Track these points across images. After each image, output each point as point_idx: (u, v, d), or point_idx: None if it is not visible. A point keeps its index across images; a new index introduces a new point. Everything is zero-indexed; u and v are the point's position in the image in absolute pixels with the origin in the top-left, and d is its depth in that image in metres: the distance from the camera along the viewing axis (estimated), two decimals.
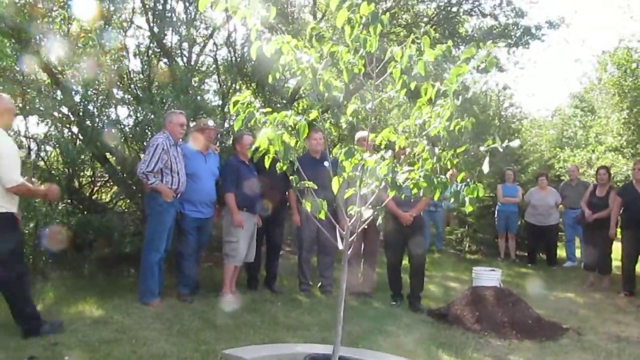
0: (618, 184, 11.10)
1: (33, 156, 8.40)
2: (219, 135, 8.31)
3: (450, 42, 3.38)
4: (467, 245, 12.13)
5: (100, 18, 8.25)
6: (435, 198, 3.52)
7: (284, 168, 3.42)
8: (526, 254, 11.45)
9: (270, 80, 3.38)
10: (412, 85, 3.43)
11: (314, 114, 3.41)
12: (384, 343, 5.45)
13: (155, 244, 6.28)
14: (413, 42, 3.32)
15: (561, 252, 11.56)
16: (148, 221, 6.48)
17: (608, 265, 8.97)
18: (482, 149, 3.48)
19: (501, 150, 3.43)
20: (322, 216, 3.47)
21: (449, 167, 3.52)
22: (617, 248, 9.05)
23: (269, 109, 3.43)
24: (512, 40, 12.02)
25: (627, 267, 8.40)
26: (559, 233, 11.55)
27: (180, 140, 6.55)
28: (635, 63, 13.58)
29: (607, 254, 8.94)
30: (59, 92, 7.99)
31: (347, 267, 3.77)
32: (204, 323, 5.77)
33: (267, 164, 3.45)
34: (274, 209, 7.25)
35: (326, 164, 3.79)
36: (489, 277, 6.94)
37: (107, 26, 8.39)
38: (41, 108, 7.71)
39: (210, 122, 6.98)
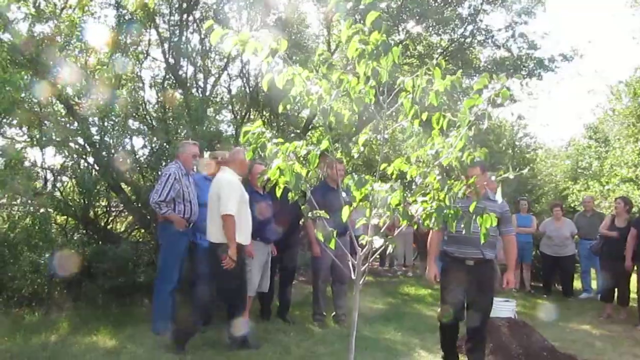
0: (635, 215, 11.00)
1: (49, 187, 8.49)
2: None
3: (460, 72, 3.40)
4: None
5: (117, 50, 8.39)
6: (451, 230, 3.53)
7: (295, 198, 3.44)
8: (541, 285, 11.33)
9: (281, 110, 3.42)
10: (425, 116, 3.46)
11: (324, 144, 3.44)
12: None
13: (169, 274, 6.30)
14: (425, 73, 3.35)
15: (577, 283, 11.42)
16: (161, 251, 6.52)
17: (626, 297, 8.85)
18: (493, 179, 3.49)
19: (511, 177, 3.44)
20: (332, 245, 3.47)
21: (460, 197, 3.52)
22: (633, 280, 8.94)
23: (280, 139, 3.47)
24: (525, 72, 12.06)
25: None
26: (575, 264, 11.42)
27: (194, 169, 6.60)
28: None
29: (625, 284, 8.84)
30: (75, 123, 8.10)
31: (359, 297, 3.76)
32: (217, 353, 5.76)
33: (278, 193, 3.48)
34: (287, 238, 7.24)
35: (344, 194, 3.81)
36: (503, 308, 6.86)
37: (123, 57, 8.53)
38: (58, 139, 7.81)
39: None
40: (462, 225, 3.61)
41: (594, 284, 11.01)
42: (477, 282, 5.16)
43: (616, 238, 8.82)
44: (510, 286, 5.34)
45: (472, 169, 4.96)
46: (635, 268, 8.79)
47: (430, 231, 5.34)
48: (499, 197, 3.82)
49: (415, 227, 3.69)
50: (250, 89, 10.09)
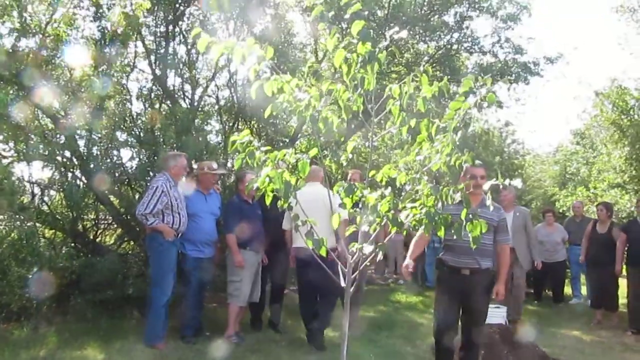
0: (623, 220, 11.06)
1: (37, 201, 8.42)
2: (220, 175, 8.35)
3: (446, 79, 3.41)
4: None
5: (103, 62, 8.36)
6: (440, 235, 3.52)
7: (285, 206, 3.43)
8: (532, 291, 11.35)
9: (267, 114, 3.41)
10: (413, 122, 3.45)
11: (313, 151, 3.44)
12: None
13: (163, 286, 6.25)
14: (412, 80, 3.35)
15: (567, 289, 11.45)
16: (151, 263, 6.48)
17: (615, 303, 8.88)
18: (484, 187, 3.49)
19: (502, 187, 3.44)
20: (322, 252, 3.45)
21: (449, 203, 3.52)
22: (623, 284, 8.97)
23: (269, 148, 3.46)
24: (511, 77, 12.14)
25: (633, 305, 8.30)
26: (566, 270, 11.45)
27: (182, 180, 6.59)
28: (634, 100, 13.65)
29: (614, 290, 8.87)
30: (62, 137, 8.05)
31: (349, 306, 3.75)
32: None
33: (268, 201, 3.47)
34: (277, 248, 7.20)
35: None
36: (494, 314, 6.84)
37: (109, 70, 8.49)
38: (45, 153, 7.77)
39: (214, 165, 6.99)
40: (453, 232, 3.58)
41: (583, 290, 11.05)
42: (472, 292, 5.03)
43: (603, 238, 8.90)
44: (499, 298, 5.22)
45: (477, 169, 4.97)
46: (625, 273, 8.82)
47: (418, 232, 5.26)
48: (489, 204, 3.83)
49: (405, 233, 3.67)
50: (238, 98, 10.08)
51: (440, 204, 3.38)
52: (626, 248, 8.55)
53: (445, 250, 5.19)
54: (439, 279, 5.28)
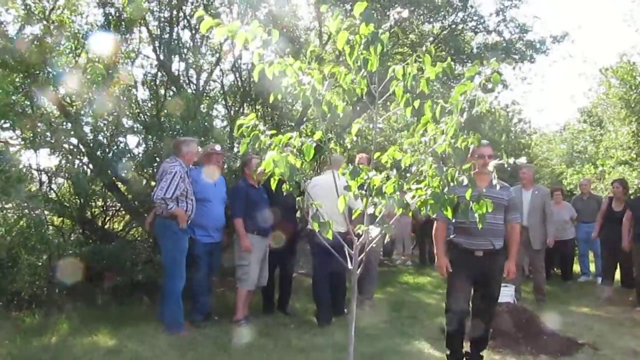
0: (631, 197, 11.03)
1: (45, 189, 8.46)
2: (226, 159, 8.37)
3: (449, 59, 3.39)
4: None
5: (108, 49, 8.35)
6: (449, 216, 3.50)
7: (290, 189, 3.43)
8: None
9: (271, 100, 3.41)
10: (417, 104, 3.44)
11: (318, 135, 3.44)
12: None
13: (179, 272, 6.27)
14: (415, 60, 3.34)
15: (575, 267, 11.46)
16: (164, 251, 6.46)
17: (631, 278, 8.85)
18: (489, 167, 3.49)
19: (507, 167, 3.44)
20: (329, 236, 3.46)
21: (457, 185, 3.51)
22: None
23: (274, 131, 3.46)
24: (517, 56, 12.06)
25: None
26: (574, 248, 11.45)
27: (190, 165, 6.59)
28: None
29: (629, 266, 8.87)
30: (69, 124, 8.07)
31: (356, 288, 3.76)
32: (218, 349, 5.77)
33: (273, 186, 3.48)
34: (284, 229, 7.20)
35: None
36: (503, 293, 6.85)
37: (115, 57, 8.49)
38: (52, 140, 7.78)
39: (218, 147, 6.99)
40: (460, 213, 3.56)
41: (592, 267, 11.06)
42: (486, 273, 5.03)
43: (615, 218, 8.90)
44: (511, 276, 5.22)
45: (484, 148, 4.95)
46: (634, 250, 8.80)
47: (435, 222, 5.25)
48: (495, 183, 3.83)
49: (411, 214, 3.67)
50: (243, 83, 10.06)
51: (446, 186, 3.37)
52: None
53: (457, 232, 5.11)
54: (451, 261, 5.14)
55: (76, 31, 8.51)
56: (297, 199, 3.61)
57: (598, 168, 14.69)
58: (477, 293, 5.15)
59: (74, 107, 8.22)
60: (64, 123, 8.13)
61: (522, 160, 4.05)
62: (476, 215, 3.42)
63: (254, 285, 6.88)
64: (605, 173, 14.22)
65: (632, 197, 10.11)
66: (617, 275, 9.38)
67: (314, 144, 3.37)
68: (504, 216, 5.08)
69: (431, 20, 12.23)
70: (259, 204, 6.81)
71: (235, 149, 8.66)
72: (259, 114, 9.87)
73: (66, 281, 7.12)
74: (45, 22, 7.96)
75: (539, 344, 5.95)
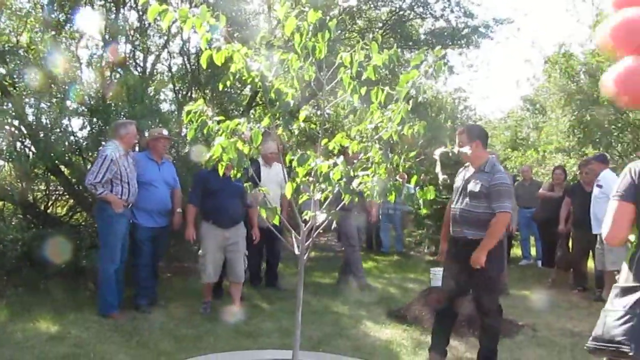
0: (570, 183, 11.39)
1: None
2: (174, 144, 8.29)
3: (395, 47, 3.44)
4: (426, 247, 12.25)
5: (51, 28, 8.15)
6: (391, 200, 3.58)
7: (238, 175, 3.44)
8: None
9: (220, 88, 3.40)
10: (363, 91, 3.48)
11: (265, 121, 3.45)
12: (343, 346, 5.51)
13: (110, 255, 6.21)
14: (362, 47, 3.37)
15: (516, 251, 11.79)
16: (100, 232, 6.43)
17: (566, 261, 9.18)
18: (435, 154, 3.56)
19: (451, 155, 3.52)
20: (276, 221, 3.49)
21: (401, 171, 3.59)
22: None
23: (222, 117, 3.45)
24: (463, 41, 12.29)
25: (578, 265, 8.66)
26: (515, 232, 11.75)
27: (136, 149, 6.51)
28: (580, 66, 13.97)
29: (565, 249, 9.19)
30: (9, 105, 7.84)
31: (303, 272, 3.80)
32: (163, 334, 5.74)
33: (220, 172, 3.48)
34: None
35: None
36: (436, 277, 7.01)
37: (58, 36, 8.28)
38: None
39: (165, 132, 6.91)
40: (405, 199, 3.62)
41: (533, 251, 11.39)
42: (464, 263, 4.76)
43: (556, 201, 9.25)
44: (475, 266, 4.68)
45: (458, 134, 4.98)
46: (571, 234, 9.13)
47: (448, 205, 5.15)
48: (438, 170, 3.92)
49: (357, 200, 3.71)
50: (192, 66, 9.96)
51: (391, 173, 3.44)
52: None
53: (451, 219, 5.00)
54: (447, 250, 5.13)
55: (18, 10, 8.26)
56: (245, 185, 3.61)
57: (539, 153, 15.12)
58: (467, 281, 4.90)
59: (16, 88, 8.00)
60: (5, 104, 7.91)
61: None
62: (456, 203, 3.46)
63: (211, 278, 6.52)
64: (546, 159, 14.64)
65: (570, 183, 10.46)
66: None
67: (262, 130, 3.39)
68: (489, 204, 4.71)
69: (379, 5, 12.34)
70: (220, 193, 6.43)
71: (183, 133, 8.58)
72: (208, 98, 9.78)
73: (7, 266, 6.97)
74: None
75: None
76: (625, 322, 2.62)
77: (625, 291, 2.72)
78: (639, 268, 2.72)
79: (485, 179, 4.71)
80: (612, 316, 2.69)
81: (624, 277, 2.78)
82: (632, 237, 2.82)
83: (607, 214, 2.84)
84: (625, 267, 2.81)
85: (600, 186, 7.50)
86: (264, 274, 8.25)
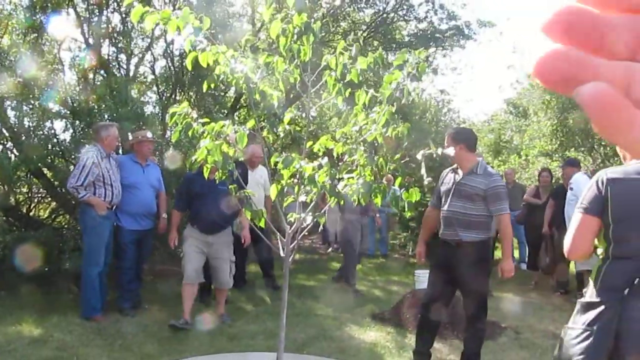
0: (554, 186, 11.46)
1: None
2: (159, 147, 8.25)
3: (380, 50, 3.45)
4: (410, 249, 12.28)
5: (33, 31, 8.09)
6: (377, 203, 3.59)
7: (223, 178, 3.44)
8: None
9: (205, 89, 3.40)
10: (347, 93, 3.50)
11: (250, 123, 3.45)
12: (328, 348, 5.52)
13: (94, 258, 6.17)
14: (345, 49, 3.39)
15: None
16: (84, 235, 6.41)
17: (550, 265, 9.24)
18: (418, 156, 3.57)
19: (435, 157, 3.54)
20: (262, 224, 3.49)
21: (385, 172, 3.61)
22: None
23: (207, 120, 3.45)
24: (446, 43, 12.39)
25: (560, 266, 8.71)
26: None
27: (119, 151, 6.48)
28: None
29: (547, 253, 9.25)
30: None
31: (288, 274, 3.80)
32: (147, 336, 5.72)
33: (206, 174, 3.48)
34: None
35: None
36: (420, 280, 7.03)
37: (40, 39, 8.23)
38: None
39: (149, 134, 6.87)
40: (389, 200, 3.64)
41: (516, 254, 11.45)
42: (458, 265, 4.73)
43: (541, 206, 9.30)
44: (507, 276, 4.85)
45: (447, 137, 4.94)
46: (555, 237, 9.18)
47: (428, 207, 5.20)
48: (423, 172, 3.93)
49: (342, 203, 3.72)
50: (175, 69, 9.93)
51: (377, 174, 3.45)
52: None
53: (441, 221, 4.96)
54: (433, 250, 5.14)
55: None
56: (230, 187, 3.61)
57: (522, 157, 15.21)
58: (456, 285, 4.92)
59: None
60: None
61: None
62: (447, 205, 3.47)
63: (191, 279, 6.20)
64: (529, 163, 14.73)
65: (554, 186, 10.53)
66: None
67: (247, 132, 3.39)
68: (487, 207, 4.70)
69: (363, 7, 12.41)
70: (205, 197, 6.15)
71: (167, 136, 8.55)
72: (192, 100, 9.76)
73: None
74: None
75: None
76: (583, 340, 2.56)
77: (586, 307, 2.65)
78: (603, 283, 2.65)
79: (480, 182, 4.71)
80: (570, 335, 2.65)
81: (589, 293, 2.72)
82: (599, 250, 2.78)
83: (569, 227, 2.80)
84: (590, 283, 2.76)
85: (572, 189, 7.57)
86: (264, 279, 8.21)
